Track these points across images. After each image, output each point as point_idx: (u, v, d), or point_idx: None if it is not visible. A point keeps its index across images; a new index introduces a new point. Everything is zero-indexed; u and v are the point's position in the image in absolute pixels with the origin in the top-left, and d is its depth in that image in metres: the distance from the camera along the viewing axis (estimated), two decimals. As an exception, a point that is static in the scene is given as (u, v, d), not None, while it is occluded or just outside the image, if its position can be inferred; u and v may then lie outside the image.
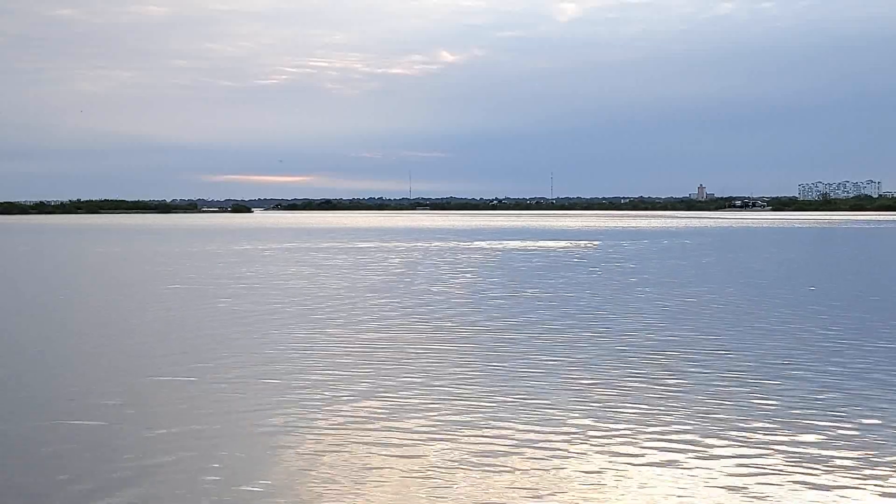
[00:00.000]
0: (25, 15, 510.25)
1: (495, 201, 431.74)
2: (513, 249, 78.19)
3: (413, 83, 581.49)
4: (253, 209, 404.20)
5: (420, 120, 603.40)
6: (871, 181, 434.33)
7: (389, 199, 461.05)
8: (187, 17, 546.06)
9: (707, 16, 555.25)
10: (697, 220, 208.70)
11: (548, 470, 13.37)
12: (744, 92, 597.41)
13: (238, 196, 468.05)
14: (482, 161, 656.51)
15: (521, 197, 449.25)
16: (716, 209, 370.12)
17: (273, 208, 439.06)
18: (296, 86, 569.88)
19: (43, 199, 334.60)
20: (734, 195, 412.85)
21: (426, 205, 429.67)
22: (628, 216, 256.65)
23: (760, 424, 15.83)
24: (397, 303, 35.62)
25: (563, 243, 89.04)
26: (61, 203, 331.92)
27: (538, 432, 15.37)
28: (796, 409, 17.05)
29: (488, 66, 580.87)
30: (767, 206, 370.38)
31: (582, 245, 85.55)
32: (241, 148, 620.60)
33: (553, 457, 13.99)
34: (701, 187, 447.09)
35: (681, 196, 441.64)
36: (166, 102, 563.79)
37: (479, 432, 15.33)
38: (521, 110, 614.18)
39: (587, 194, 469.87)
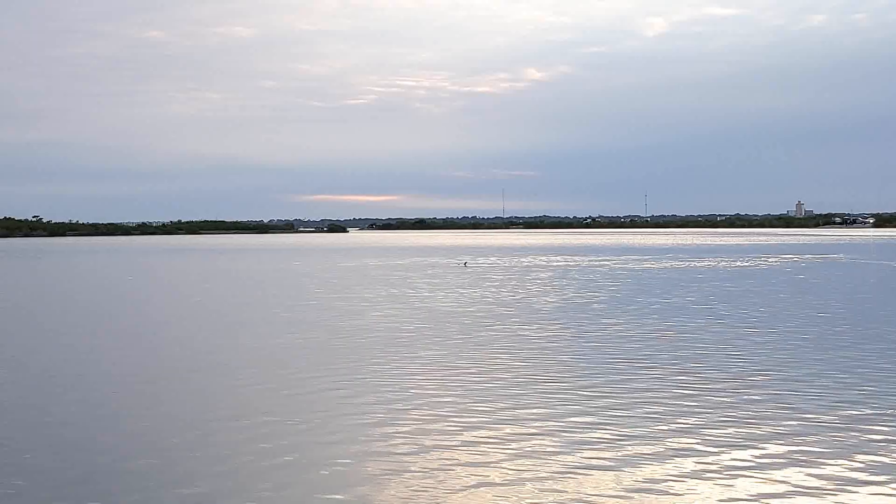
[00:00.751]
0: (118, 38, 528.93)
1: (589, 220, 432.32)
2: (641, 269, 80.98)
3: (500, 101, 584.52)
4: (348, 228, 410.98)
5: (509, 138, 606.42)
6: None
7: (483, 218, 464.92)
8: (275, 37, 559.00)
9: (798, 28, 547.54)
10: (805, 237, 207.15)
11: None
12: (841, 105, 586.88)
13: (330, 215, 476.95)
14: (574, 179, 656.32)
15: (614, 215, 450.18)
16: (815, 226, 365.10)
17: (368, 227, 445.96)
18: (384, 105, 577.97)
19: (144, 221, 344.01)
20: (833, 211, 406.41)
21: (519, 223, 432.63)
22: (732, 234, 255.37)
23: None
24: (543, 323, 37.62)
25: (691, 262, 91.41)
26: (163, 224, 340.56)
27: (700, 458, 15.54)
28: None
29: (576, 83, 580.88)
30: (870, 222, 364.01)
31: (714, 264, 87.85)
32: (331, 168, 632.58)
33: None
34: (799, 204, 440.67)
35: (778, 213, 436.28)
36: (257, 123, 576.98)
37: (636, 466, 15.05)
38: (612, 127, 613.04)
39: (682, 212, 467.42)
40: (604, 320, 37.59)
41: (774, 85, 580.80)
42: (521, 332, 33.80)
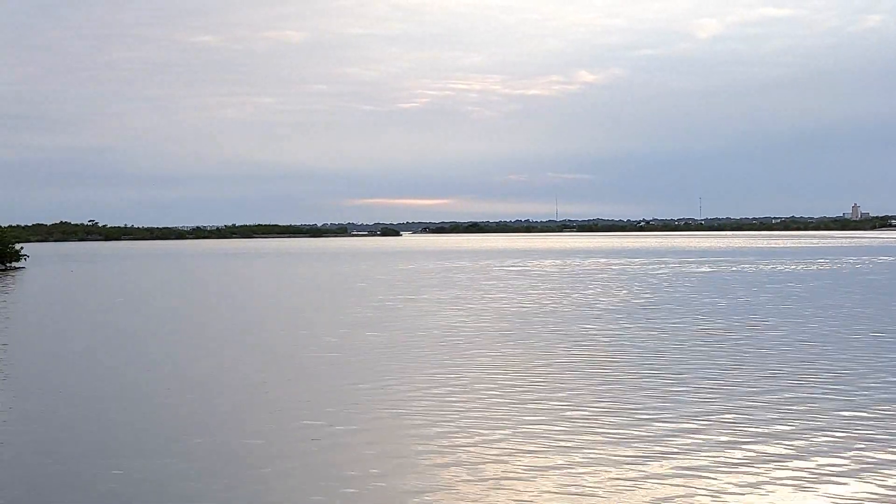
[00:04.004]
0: (169, 43, 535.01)
1: (643, 223, 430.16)
2: (704, 271, 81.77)
3: (553, 104, 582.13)
4: (401, 232, 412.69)
5: (562, 141, 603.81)
6: None
7: (536, 222, 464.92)
8: (325, 42, 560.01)
9: (855, 28, 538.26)
10: (863, 239, 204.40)
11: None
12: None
13: (383, 219, 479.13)
14: (627, 182, 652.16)
15: (668, 218, 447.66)
16: (871, 228, 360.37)
17: (421, 231, 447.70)
18: (436, 108, 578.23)
19: (198, 225, 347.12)
20: (890, 214, 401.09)
21: (573, 227, 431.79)
22: (787, 236, 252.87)
23: None
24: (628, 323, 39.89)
25: (755, 264, 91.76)
26: (217, 228, 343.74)
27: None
28: None
29: (628, 86, 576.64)
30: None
31: (778, 266, 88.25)
32: (384, 171, 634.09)
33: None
34: (855, 206, 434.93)
35: (834, 215, 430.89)
36: (308, 127, 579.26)
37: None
38: (665, 130, 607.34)
39: (736, 214, 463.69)
40: (692, 323, 38.98)
41: (830, 87, 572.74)
42: (602, 334, 35.34)
